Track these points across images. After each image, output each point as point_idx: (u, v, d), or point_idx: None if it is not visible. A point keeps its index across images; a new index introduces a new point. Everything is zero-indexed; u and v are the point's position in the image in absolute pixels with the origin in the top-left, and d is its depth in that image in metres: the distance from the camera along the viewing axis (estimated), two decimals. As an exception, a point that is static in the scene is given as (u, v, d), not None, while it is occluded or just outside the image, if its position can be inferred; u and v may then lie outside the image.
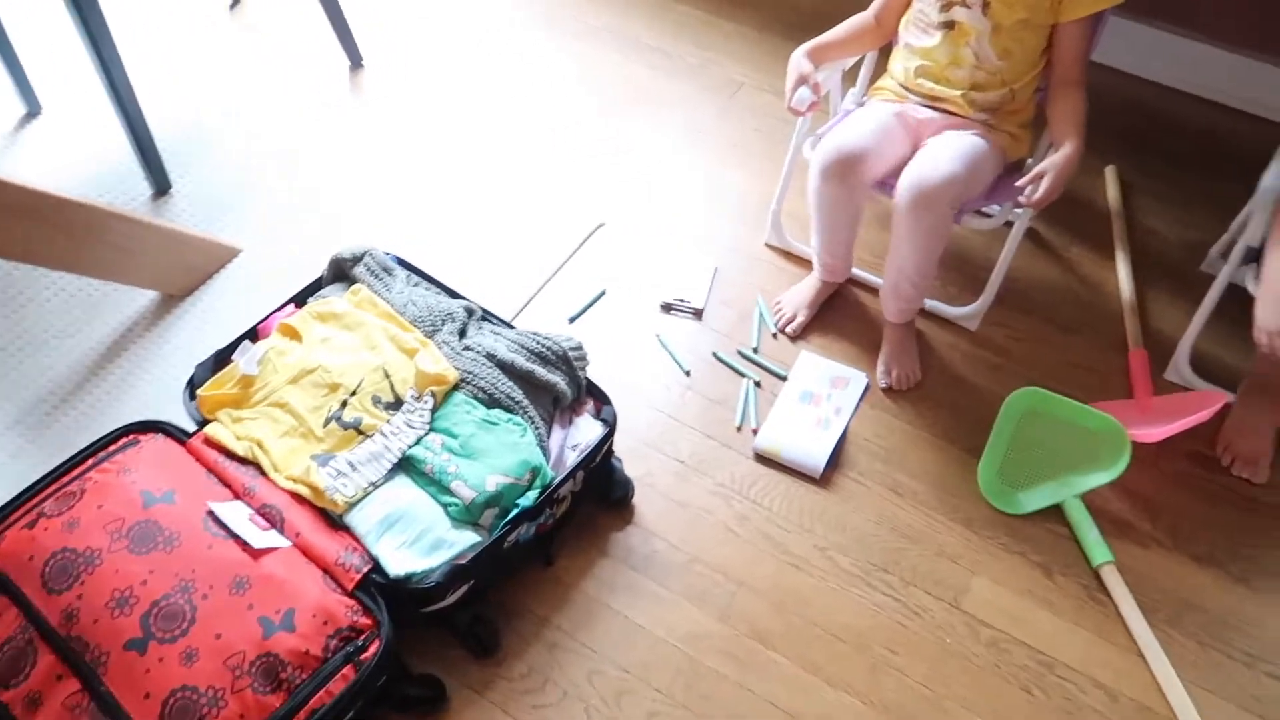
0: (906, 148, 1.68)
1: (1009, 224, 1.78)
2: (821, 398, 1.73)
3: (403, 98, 2.29)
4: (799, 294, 1.88)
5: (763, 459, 1.66)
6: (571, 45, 2.43)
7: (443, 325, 1.58)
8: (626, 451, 1.66)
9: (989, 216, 1.74)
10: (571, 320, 1.86)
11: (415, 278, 1.69)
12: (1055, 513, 1.60)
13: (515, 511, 1.39)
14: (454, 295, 1.67)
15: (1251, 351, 1.56)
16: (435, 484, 1.40)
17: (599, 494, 1.57)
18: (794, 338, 1.84)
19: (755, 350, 1.82)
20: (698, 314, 1.87)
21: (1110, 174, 2.14)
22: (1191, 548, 1.57)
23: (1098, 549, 1.53)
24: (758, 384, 1.76)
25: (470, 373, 1.50)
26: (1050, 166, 1.54)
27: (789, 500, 1.62)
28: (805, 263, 1.95)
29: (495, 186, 2.09)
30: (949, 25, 1.64)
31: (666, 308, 1.88)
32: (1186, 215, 2.07)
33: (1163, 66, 2.33)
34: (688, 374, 1.78)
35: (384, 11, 2.51)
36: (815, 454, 1.64)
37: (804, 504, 1.61)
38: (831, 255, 1.81)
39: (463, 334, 1.59)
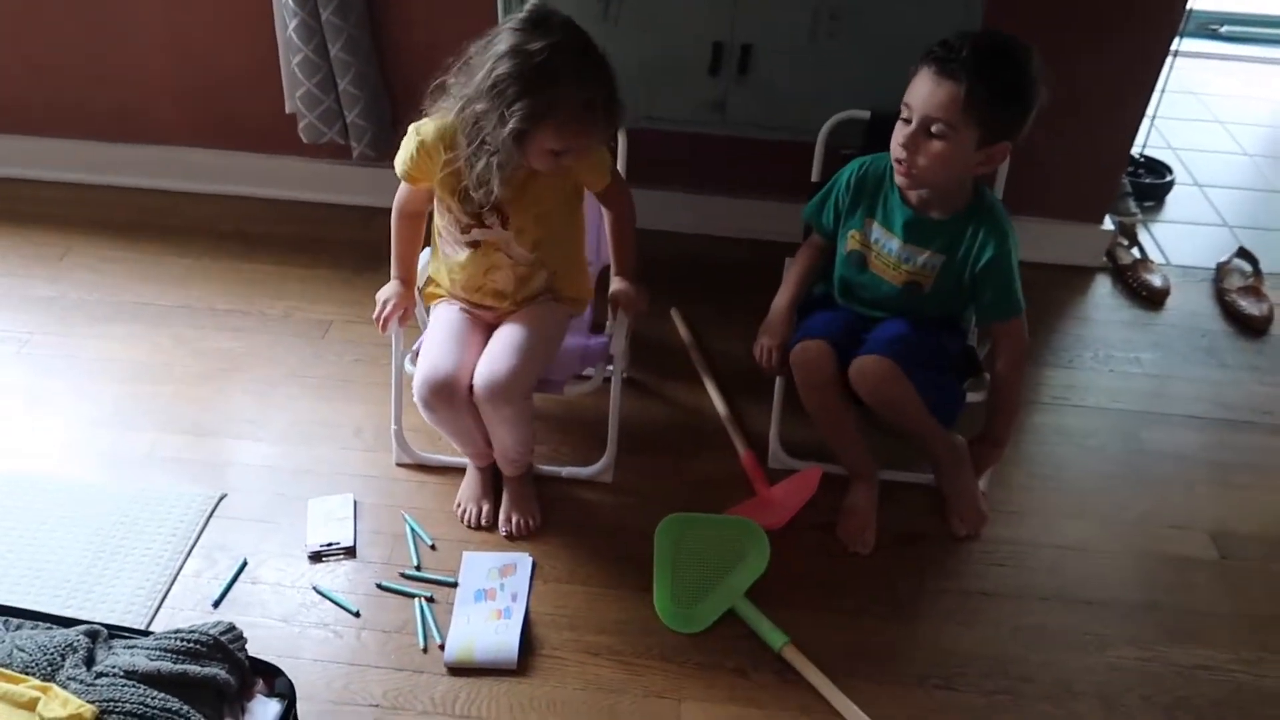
0: (482, 342, 1.80)
1: (607, 380, 1.97)
2: (495, 590, 1.76)
3: (-48, 431, 2.05)
4: (469, 488, 1.93)
5: (458, 670, 1.64)
6: (147, 333, 2.34)
7: (63, 660, 1.40)
8: (315, 718, 1.55)
9: (587, 379, 1.92)
10: (216, 603, 1.73)
11: (15, 620, 1.49)
12: (732, 618, 1.74)
13: (206, 831, 1.24)
14: (69, 623, 1.49)
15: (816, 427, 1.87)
16: (100, 841, 1.22)
17: (297, 775, 1.45)
18: (487, 527, 1.88)
19: (418, 568, 1.81)
20: (350, 552, 1.83)
21: (676, 315, 2.46)
22: (843, 603, 1.78)
23: (774, 635, 1.69)
24: (430, 599, 1.75)
25: (111, 700, 1.34)
26: (623, 293, 1.85)
27: (496, 700, 1.60)
28: (441, 470, 2.00)
29: (90, 492, 1.92)
30: (474, 244, 1.75)
31: (316, 556, 1.82)
32: (744, 331, 2.40)
33: (683, 219, 2.75)
34: (357, 614, 1.72)
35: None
36: (506, 646, 1.65)
37: (512, 698, 1.61)
38: (470, 447, 1.88)
39: (91, 662, 1.42)
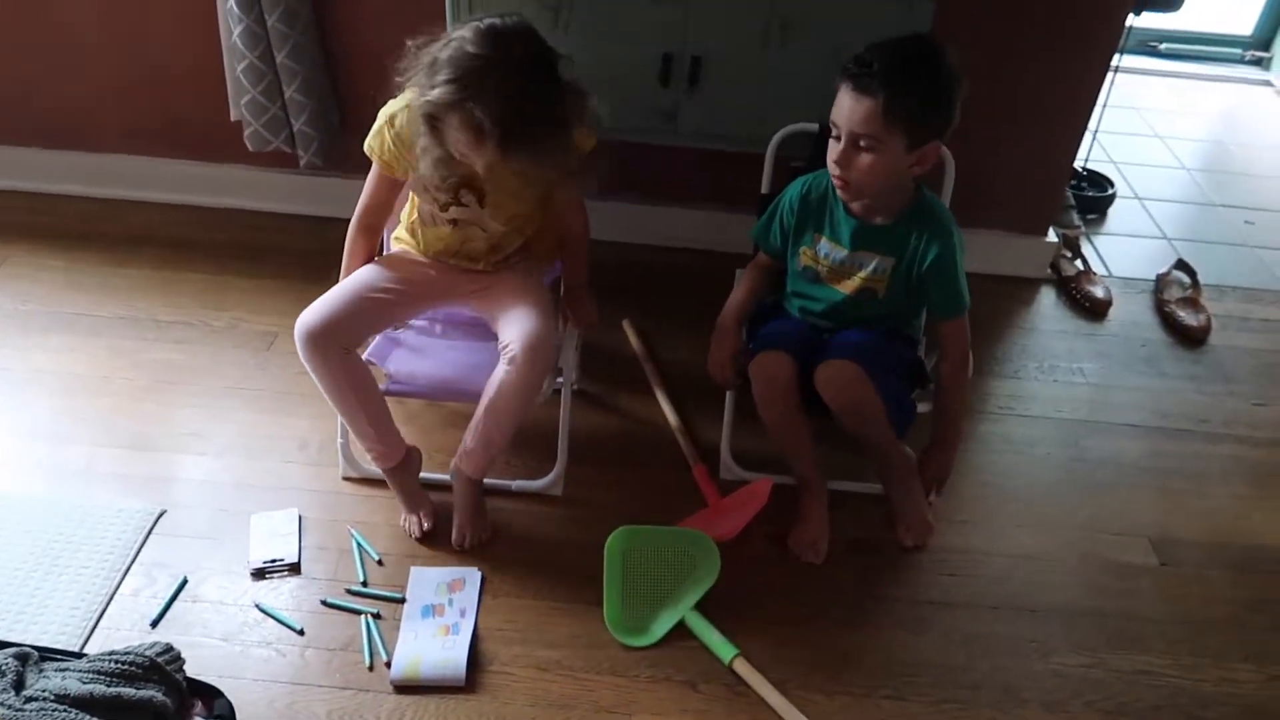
0: (434, 297, 1.86)
1: (557, 392, 1.95)
2: (443, 606, 1.74)
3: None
4: (401, 502, 1.90)
5: (404, 688, 1.61)
6: (85, 344, 2.27)
7: (-8, 685, 1.36)
8: (257, 740, 1.52)
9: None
10: (154, 623, 1.68)
11: (-59, 643, 1.44)
12: (683, 630, 1.73)
13: None
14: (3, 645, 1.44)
15: (768, 438, 1.87)
16: None
17: (237, 799, 1.42)
18: (427, 532, 1.86)
19: (364, 584, 1.78)
20: (294, 568, 1.80)
21: (627, 326, 2.45)
22: (793, 614, 1.79)
23: (723, 648, 1.68)
24: (377, 615, 1.72)
25: (41, 726, 1.30)
26: (576, 305, 1.92)
27: (444, 717, 1.58)
28: (384, 485, 1.97)
29: (23, 508, 1.86)
30: (453, 222, 1.81)
31: (259, 573, 1.78)
32: (695, 341, 2.40)
33: (634, 229, 2.74)
34: (301, 632, 1.69)
35: None
36: (453, 662, 1.63)
37: (460, 715, 1.58)
38: (365, 436, 1.81)
39: (20, 686, 1.38)
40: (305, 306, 2.40)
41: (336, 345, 1.72)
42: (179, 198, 2.75)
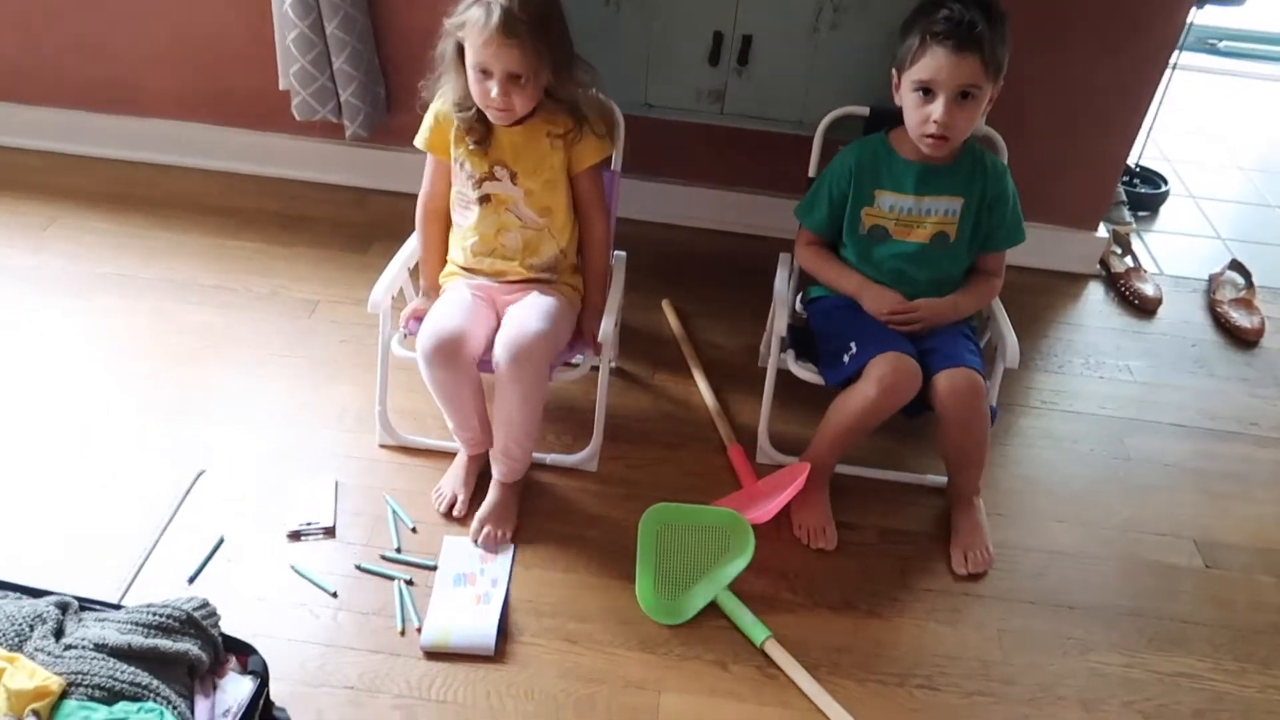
0: (491, 318, 1.80)
1: (595, 369, 1.95)
2: (475, 575, 1.74)
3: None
4: (453, 474, 1.90)
5: (434, 654, 1.62)
6: (130, 306, 2.30)
7: (32, 631, 1.37)
8: (289, 698, 1.52)
9: (575, 366, 1.90)
10: (192, 579, 1.70)
11: (-16, 589, 1.46)
12: (714, 610, 1.72)
13: (172, 808, 1.22)
14: (39, 594, 1.46)
15: (808, 421, 1.84)
16: (63, 815, 1.19)
17: (268, 755, 1.42)
18: (461, 519, 1.84)
19: (398, 550, 1.78)
20: (329, 532, 1.81)
21: (666, 306, 2.44)
22: (826, 600, 1.77)
23: (756, 629, 1.67)
24: (409, 582, 1.73)
25: (79, 673, 1.31)
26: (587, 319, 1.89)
27: (472, 686, 1.58)
28: (425, 453, 1.98)
29: (66, 464, 1.89)
30: (485, 199, 1.80)
31: (295, 535, 1.79)
32: (734, 325, 2.40)
33: (677, 211, 2.73)
34: (334, 595, 1.70)
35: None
36: (483, 631, 1.63)
37: (488, 685, 1.58)
38: (466, 429, 1.86)
39: (60, 634, 1.39)
40: (346, 276, 2.42)
41: (468, 353, 1.72)
42: (225, 165, 2.78)
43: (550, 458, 1.98)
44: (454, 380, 1.75)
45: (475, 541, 1.80)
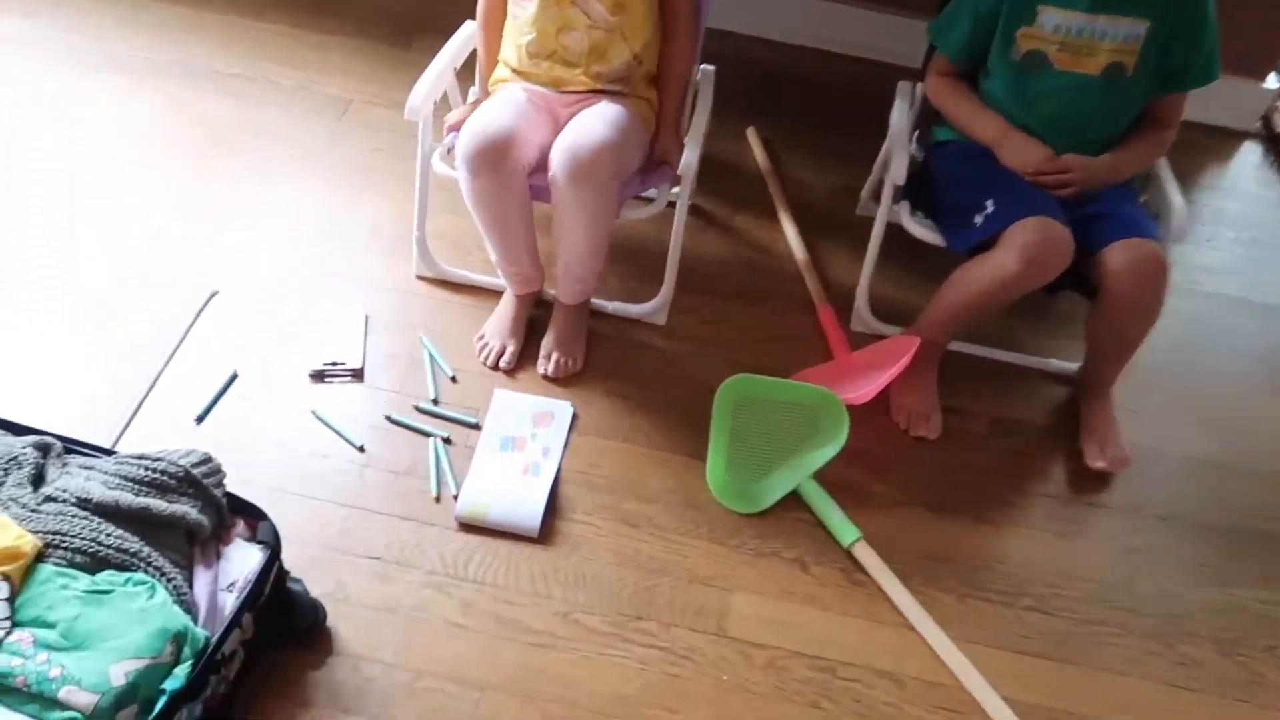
0: (549, 129, 1.50)
1: (671, 205, 1.64)
2: (525, 440, 1.50)
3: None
4: (498, 320, 1.64)
5: (472, 527, 1.41)
6: (138, 87, 1.99)
7: (5, 476, 1.16)
8: (307, 565, 1.33)
9: (650, 201, 1.60)
10: (200, 419, 1.48)
11: (-47, 421, 1.24)
12: (795, 500, 1.49)
13: (164, 700, 1.04)
14: (19, 431, 1.25)
15: (918, 288, 1.54)
16: (36, 700, 1.02)
17: (281, 631, 1.24)
18: (509, 371, 1.60)
19: (435, 402, 1.55)
20: (357, 375, 1.57)
21: (752, 135, 2.10)
22: (925, 498, 1.53)
23: (844, 528, 1.44)
24: (447, 440, 1.50)
25: (58, 533, 1.11)
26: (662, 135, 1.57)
27: (514, 568, 1.37)
28: (469, 289, 1.72)
29: (53, 278, 1.64)
30: None
31: (318, 376, 1.56)
32: (829, 163, 2.07)
33: (776, 24, 2.34)
34: (361, 449, 1.48)
35: None
36: (528, 510, 1.41)
37: (533, 567, 1.38)
38: (513, 262, 1.59)
39: (39, 481, 1.18)
40: (383, 73, 2.08)
41: (517, 160, 1.43)
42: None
43: (612, 306, 1.71)
44: (498, 193, 1.46)
45: (545, 374, 1.59)
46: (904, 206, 1.63)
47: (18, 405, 1.28)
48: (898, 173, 1.61)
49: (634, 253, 1.81)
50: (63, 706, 1.01)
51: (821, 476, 1.49)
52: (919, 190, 1.65)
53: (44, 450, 1.22)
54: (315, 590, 1.29)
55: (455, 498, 1.43)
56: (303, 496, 1.41)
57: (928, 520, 1.50)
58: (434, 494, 1.43)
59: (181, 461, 1.19)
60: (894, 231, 1.65)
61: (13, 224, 1.71)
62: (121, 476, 1.17)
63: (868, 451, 1.55)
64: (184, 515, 1.16)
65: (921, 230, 1.61)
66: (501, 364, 1.60)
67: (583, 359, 1.62)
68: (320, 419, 1.50)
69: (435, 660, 1.27)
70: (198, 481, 1.19)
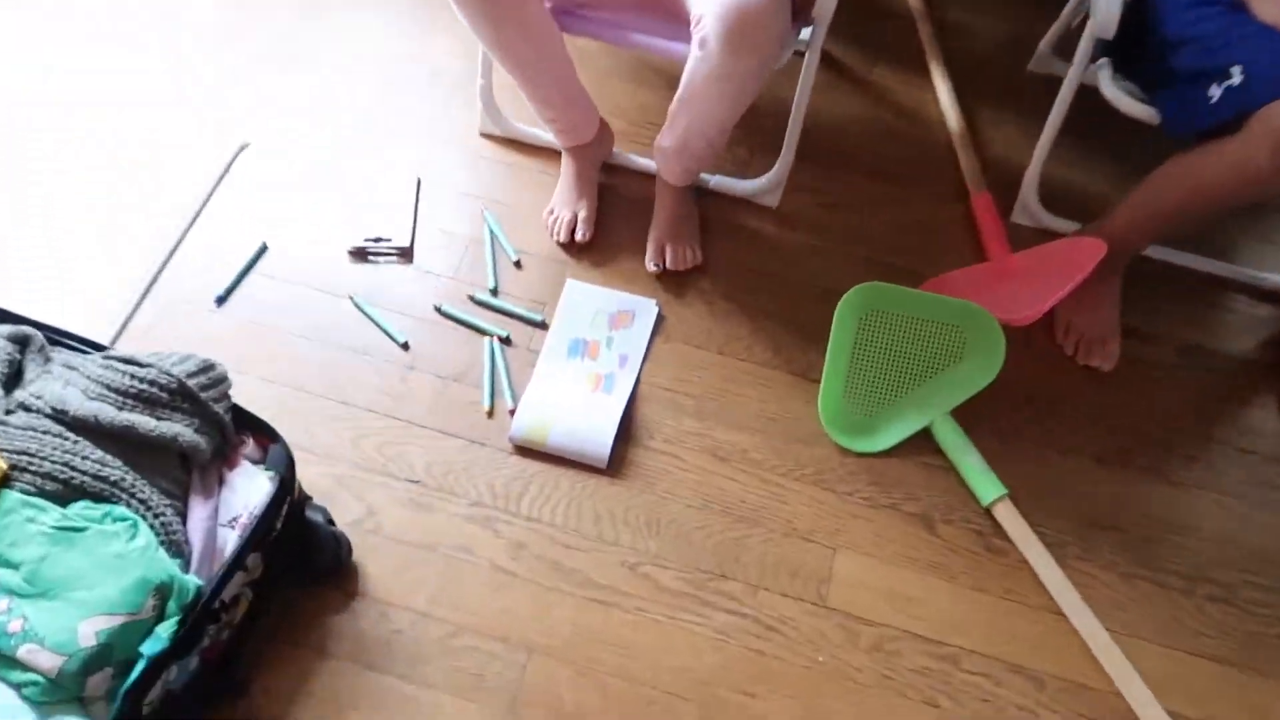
0: None
1: (799, 54, 1.29)
2: (598, 345, 1.25)
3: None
4: (562, 187, 1.37)
5: (527, 450, 1.18)
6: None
7: (-26, 375, 0.97)
8: (333, 486, 1.13)
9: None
10: (221, 300, 1.26)
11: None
12: (925, 440, 1.21)
13: (143, 663, 0.86)
14: (3, 317, 1.05)
15: (1105, 174, 1.18)
16: (-7, 655, 0.85)
17: (298, 567, 1.05)
18: (585, 244, 1.33)
19: (494, 292, 1.29)
20: (405, 254, 1.32)
21: (902, -37, 1.69)
22: (1092, 446, 1.23)
23: (985, 482, 1.16)
24: (506, 340, 1.26)
25: (25, 454, 0.92)
26: None
27: (576, 505, 1.15)
28: (542, 152, 1.43)
29: (59, 123, 1.42)
30: None
31: (360, 254, 1.32)
32: (1001, 4, 1.65)
33: None
34: (405, 346, 1.25)
35: None
36: (598, 431, 1.17)
37: (598, 505, 1.15)
38: (548, 105, 1.27)
39: (15, 379, 0.99)
40: None
41: None
42: None
43: (714, 180, 1.40)
44: (488, 10, 1.11)
45: (660, 266, 1.31)
46: (1104, 66, 1.25)
47: (28, 284, 1.08)
48: (1106, 21, 1.21)
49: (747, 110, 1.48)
50: (20, 667, 0.85)
51: (961, 414, 1.20)
52: (1126, 45, 1.26)
53: (22, 343, 1.02)
54: (341, 518, 1.10)
55: (511, 413, 1.19)
56: (331, 400, 1.20)
57: (1092, 475, 1.20)
58: (486, 407, 1.20)
59: (175, 370, 0.98)
60: (1080, 98, 1.28)
61: (33, 64, 1.48)
62: (104, 385, 0.97)
63: (1022, 383, 1.25)
64: (176, 436, 0.96)
65: (1130, 103, 1.22)
66: (576, 236, 1.32)
67: (699, 251, 1.33)
68: (358, 306, 1.27)
69: (477, 613, 1.07)
70: (194, 395, 0.98)
